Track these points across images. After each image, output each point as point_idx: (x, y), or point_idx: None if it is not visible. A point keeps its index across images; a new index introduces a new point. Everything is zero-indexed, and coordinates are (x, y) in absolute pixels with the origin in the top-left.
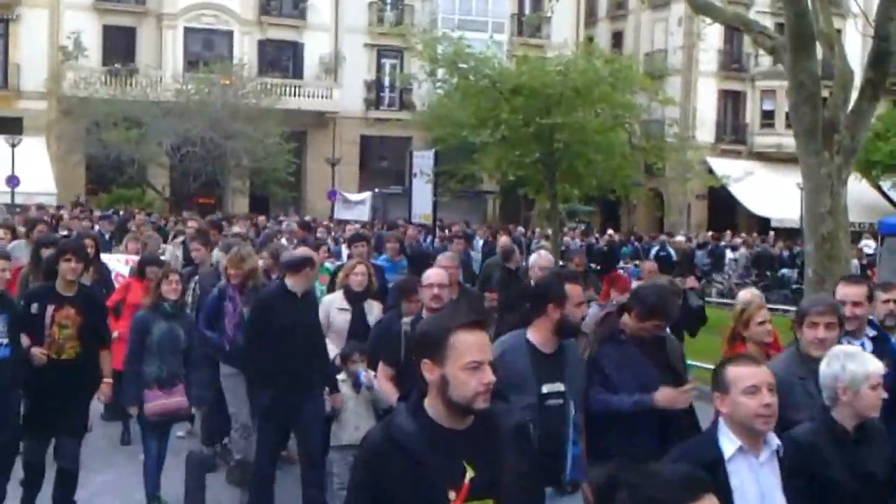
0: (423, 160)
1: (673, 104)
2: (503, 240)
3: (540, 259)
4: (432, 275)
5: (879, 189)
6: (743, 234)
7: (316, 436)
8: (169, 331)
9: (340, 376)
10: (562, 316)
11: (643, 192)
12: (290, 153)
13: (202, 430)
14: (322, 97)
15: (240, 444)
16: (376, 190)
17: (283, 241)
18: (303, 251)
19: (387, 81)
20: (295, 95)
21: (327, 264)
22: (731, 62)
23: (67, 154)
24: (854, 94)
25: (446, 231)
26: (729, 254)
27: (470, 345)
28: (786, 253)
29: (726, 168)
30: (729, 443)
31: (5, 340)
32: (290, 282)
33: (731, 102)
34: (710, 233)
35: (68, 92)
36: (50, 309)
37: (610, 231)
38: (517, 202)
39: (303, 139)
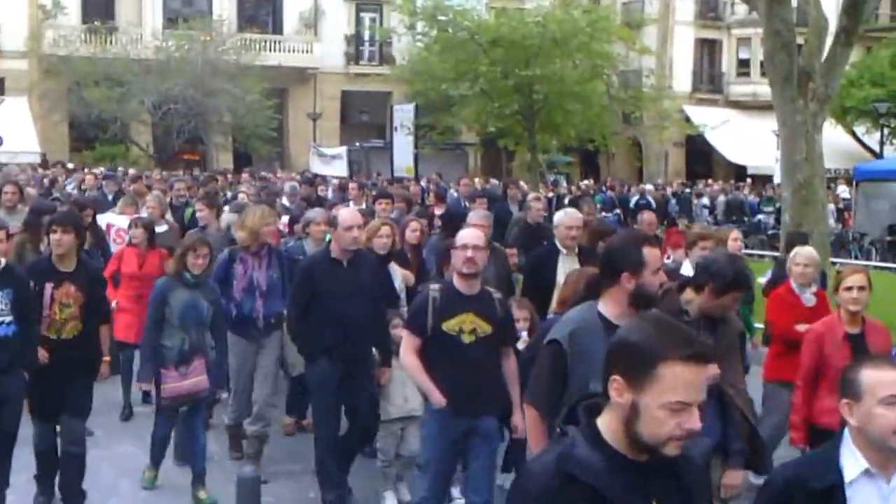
0: (403, 113)
1: (650, 54)
2: (513, 193)
3: (567, 217)
4: (466, 236)
5: (854, 135)
6: (720, 182)
7: (367, 412)
8: (191, 301)
9: None
10: (638, 285)
11: (621, 142)
12: (272, 109)
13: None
14: (302, 52)
15: (235, 411)
16: (357, 144)
17: (286, 200)
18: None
19: (366, 36)
20: (275, 51)
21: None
22: (707, 11)
23: (50, 113)
24: (828, 42)
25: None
26: (696, 200)
27: (684, 382)
28: (755, 199)
29: (703, 116)
30: (853, 463)
31: (8, 318)
32: (333, 246)
33: (708, 51)
34: (679, 181)
35: (48, 51)
36: (49, 287)
37: (585, 182)
38: (497, 154)
39: (284, 95)
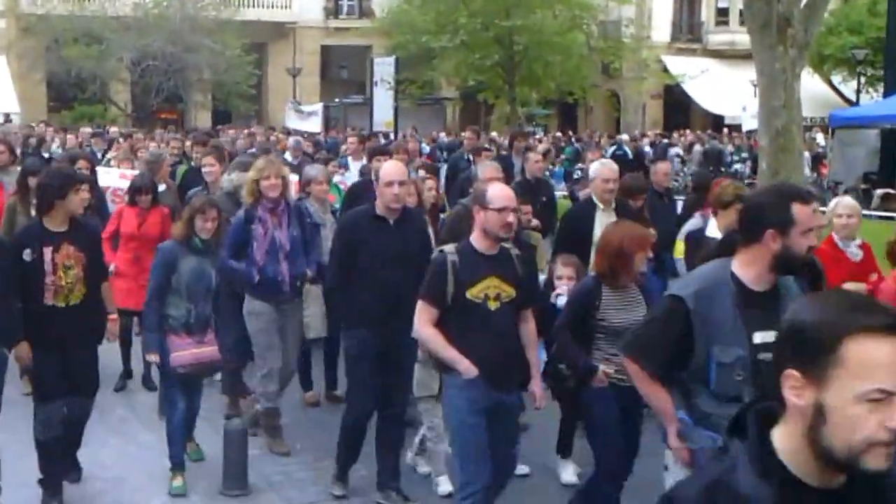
0: (383, 67)
1: (629, 3)
2: (541, 148)
3: (604, 169)
4: (504, 196)
5: (830, 84)
6: (697, 132)
7: (406, 385)
8: (198, 268)
9: None
10: (784, 246)
11: (600, 94)
12: (251, 65)
13: (222, 378)
14: (281, 7)
15: (267, 391)
16: (337, 100)
17: (288, 156)
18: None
19: None
20: (253, 6)
21: (336, 179)
22: None
23: (29, 72)
24: None
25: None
26: (673, 150)
27: (882, 362)
28: (730, 148)
29: (681, 66)
30: None
31: None
32: (378, 203)
33: (687, 0)
34: (655, 131)
35: (26, 9)
36: (48, 252)
37: (558, 133)
38: (476, 108)
39: (263, 51)
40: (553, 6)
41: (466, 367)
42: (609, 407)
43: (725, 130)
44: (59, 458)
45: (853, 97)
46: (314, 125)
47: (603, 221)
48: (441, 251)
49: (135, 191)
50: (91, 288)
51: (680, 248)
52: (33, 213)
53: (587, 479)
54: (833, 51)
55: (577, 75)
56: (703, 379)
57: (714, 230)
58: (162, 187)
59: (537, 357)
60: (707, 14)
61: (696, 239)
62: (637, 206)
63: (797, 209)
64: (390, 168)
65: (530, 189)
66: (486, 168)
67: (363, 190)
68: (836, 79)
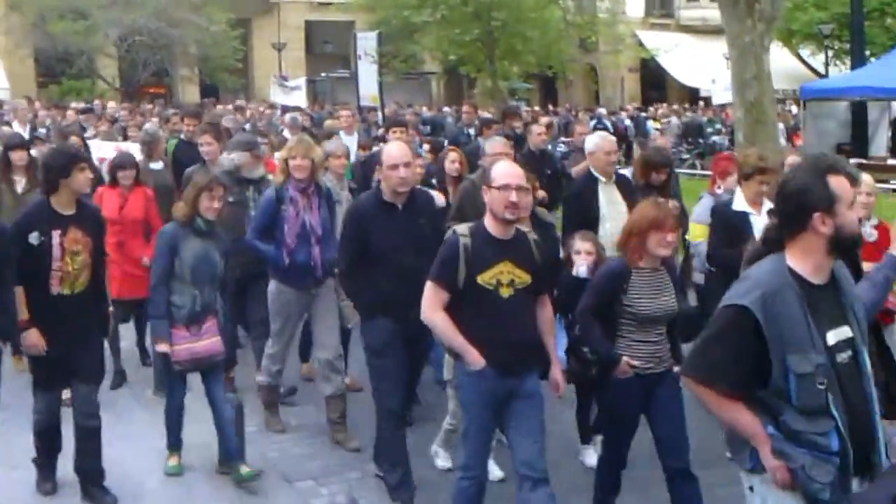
0: (366, 41)
1: None
2: (544, 120)
3: (604, 142)
4: (508, 174)
5: (799, 57)
6: (674, 105)
7: (418, 371)
8: (203, 252)
9: None
10: (837, 226)
11: (578, 68)
12: (237, 40)
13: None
14: None
15: (270, 368)
16: (323, 74)
17: (287, 133)
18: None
19: None
20: None
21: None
22: None
23: (16, 48)
24: None
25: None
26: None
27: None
28: (704, 119)
29: (655, 41)
30: None
31: None
32: (384, 187)
33: None
34: (634, 105)
35: None
36: (56, 235)
37: (536, 108)
38: (459, 83)
39: (248, 26)
40: None
41: (475, 359)
42: (629, 400)
43: (701, 103)
44: (56, 444)
45: (822, 70)
46: (298, 99)
47: (607, 195)
48: (453, 232)
49: (116, 167)
50: (96, 275)
51: (700, 231)
52: (19, 190)
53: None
54: (800, 26)
55: (555, 49)
56: (783, 394)
57: (743, 203)
58: (158, 165)
59: (555, 344)
60: None
61: (723, 216)
62: (661, 181)
63: (834, 182)
64: (394, 150)
65: (535, 162)
66: (493, 143)
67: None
68: (805, 52)
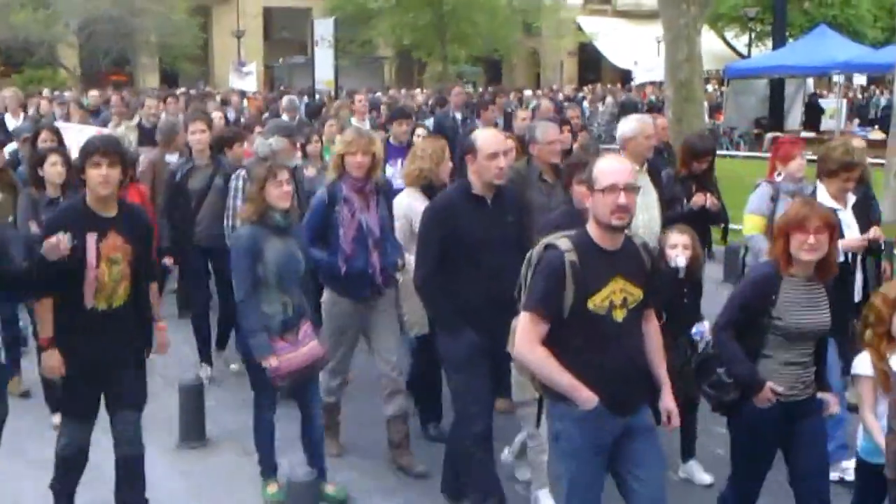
0: (323, 27)
1: None
2: (545, 103)
3: (646, 126)
4: (616, 171)
5: (724, 39)
6: (608, 85)
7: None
8: (286, 252)
9: None
10: None
11: (522, 51)
12: (197, 28)
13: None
14: None
15: (330, 385)
16: (280, 60)
17: (284, 117)
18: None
19: None
20: None
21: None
22: None
23: None
24: None
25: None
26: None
27: None
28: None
29: (594, 26)
30: None
31: None
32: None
33: None
34: (571, 86)
35: None
36: (91, 240)
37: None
38: (410, 66)
39: (208, 14)
40: None
41: (587, 398)
42: (769, 431)
43: (632, 84)
44: (78, 471)
45: (743, 51)
46: (250, 84)
47: (641, 183)
48: (553, 247)
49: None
50: (138, 288)
51: (756, 223)
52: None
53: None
54: (726, 10)
55: (502, 34)
56: None
57: (827, 199)
58: (174, 157)
59: (664, 363)
60: None
61: None
62: (702, 170)
63: None
64: (491, 137)
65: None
66: (546, 129)
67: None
68: (729, 35)
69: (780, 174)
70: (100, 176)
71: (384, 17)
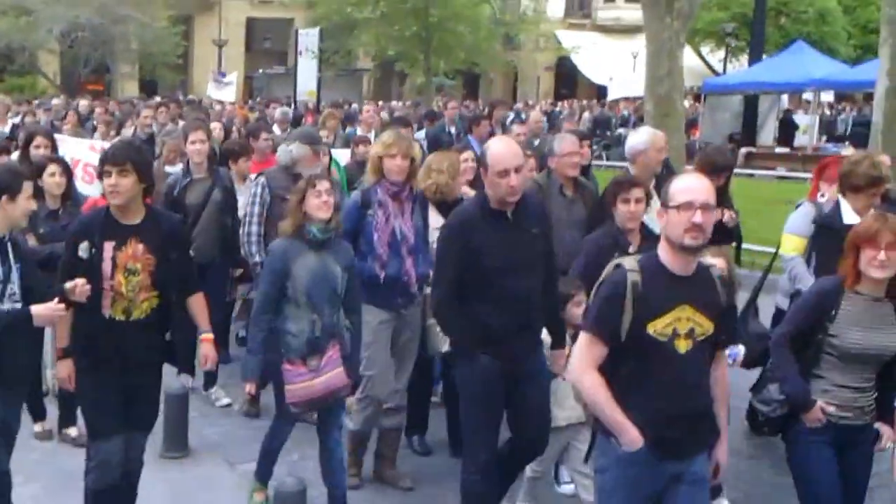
0: (308, 38)
1: None
2: (534, 114)
3: (656, 138)
4: (692, 187)
5: (699, 54)
6: (584, 101)
7: (541, 421)
8: (321, 268)
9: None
10: None
11: (502, 64)
12: (178, 37)
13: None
14: None
15: (366, 409)
16: (260, 71)
17: (276, 129)
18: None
19: None
20: None
21: (335, 155)
22: None
23: None
24: None
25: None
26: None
27: None
28: (612, 114)
29: (573, 40)
30: None
31: (19, 304)
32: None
33: None
34: (549, 100)
35: None
36: (108, 248)
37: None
38: (389, 78)
39: (189, 23)
40: None
41: (632, 439)
42: (821, 453)
43: (607, 99)
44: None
45: (717, 66)
46: (229, 94)
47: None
48: (618, 266)
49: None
50: (164, 301)
51: (795, 244)
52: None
53: None
54: (703, 25)
55: (485, 47)
56: None
57: (853, 216)
58: (175, 168)
59: (727, 408)
60: None
61: (829, 228)
62: (719, 185)
63: None
64: (502, 151)
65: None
66: (564, 141)
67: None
68: (705, 50)
69: (823, 195)
70: (109, 185)
71: (369, 28)
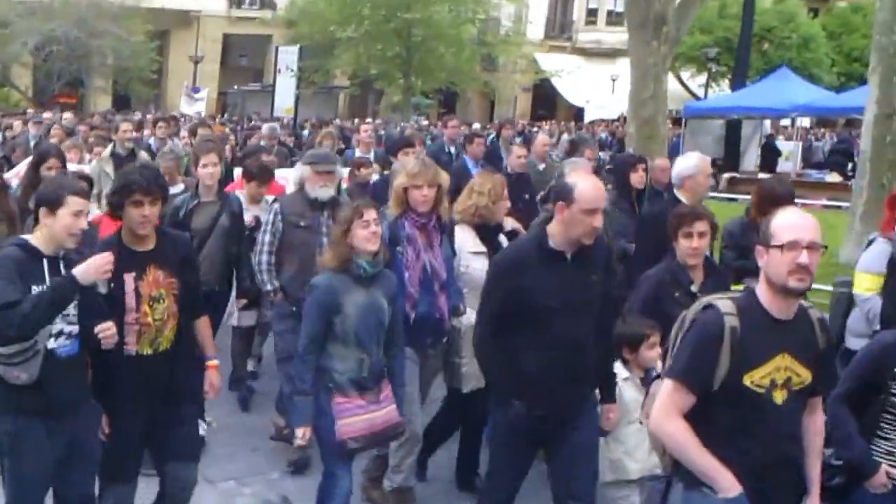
0: (287, 55)
1: (519, 1)
2: (541, 137)
3: (704, 163)
4: (791, 224)
5: (679, 79)
6: (563, 122)
7: (586, 472)
8: (369, 304)
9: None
10: None
11: (480, 85)
12: (154, 52)
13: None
14: None
15: (407, 462)
16: (235, 87)
17: (262, 144)
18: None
19: None
20: None
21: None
22: None
23: None
24: None
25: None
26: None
27: None
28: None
29: (552, 63)
30: None
31: (76, 328)
32: (554, 226)
33: (561, 0)
34: (523, 121)
35: None
36: (130, 279)
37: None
38: (365, 96)
39: (166, 38)
40: (448, 1)
41: (730, 485)
42: None
43: (587, 121)
44: None
45: (698, 91)
46: (199, 108)
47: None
48: (712, 307)
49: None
50: (185, 324)
51: (871, 282)
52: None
53: None
54: (684, 49)
55: (466, 67)
56: None
57: None
58: (177, 188)
59: (819, 460)
60: (578, 13)
61: None
62: None
63: None
64: (592, 189)
65: (512, 186)
66: (576, 167)
67: (386, 188)
68: (685, 75)
69: None
70: (140, 216)
71: (352, 46)
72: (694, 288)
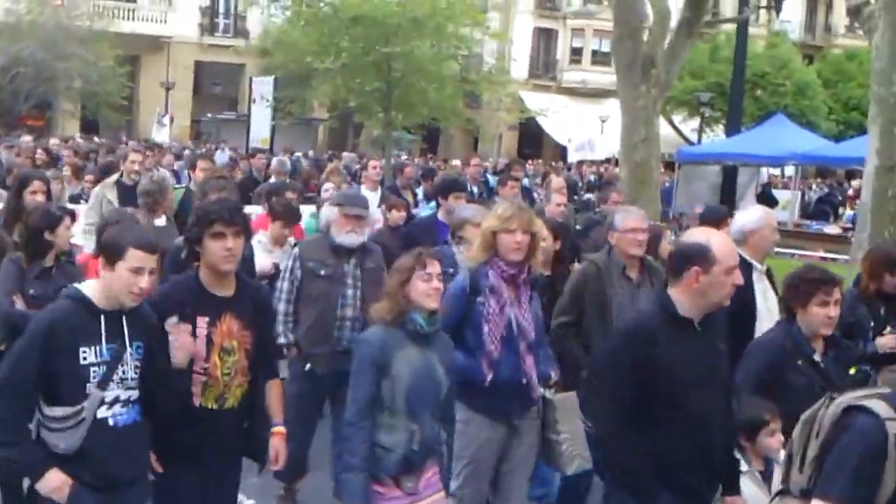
0: (262, 86)
1: (503, 39)
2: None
3: (768, 216)
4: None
5: (671, 123)
6: (551, 163)
7: None
8: (424, 367)
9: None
10: None
11: (463, 122)
12: (124, 77)
13: None
14: (156, 21)
15: None
16: (209, 115)
17: (272, 180)
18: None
19: (222, 7)
20: (129, 19)
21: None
22: (546, 1)
23: None
24: (670, 33)
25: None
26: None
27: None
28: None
29: (537, 101)
30: None
31: (133, 394)
32: (675, 291)
33: (544, 39)
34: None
35: None
36: (203, 324)
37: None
38: (344, 129)
39: (136, 63)
40: (430, 36)
41: None
42: None
43: (574, 161)
44: None
45: (691, 136)
46: (164, 136)
47: (761, 285)
48: (867, 411)
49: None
50: (254, 384)
51: None
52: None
53: None
54: (676, 93)
55: (449, 104)
56: None
57: None
58: (161, 221)
59: None
60: (562, 53)
61: None
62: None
63: None
64: (726, 244)
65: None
66: (628, 216)
67: (426, 233)
68: (677, 118)
69: None
70: (224, 249)
71: (330, 78)
72: (817, 357)
